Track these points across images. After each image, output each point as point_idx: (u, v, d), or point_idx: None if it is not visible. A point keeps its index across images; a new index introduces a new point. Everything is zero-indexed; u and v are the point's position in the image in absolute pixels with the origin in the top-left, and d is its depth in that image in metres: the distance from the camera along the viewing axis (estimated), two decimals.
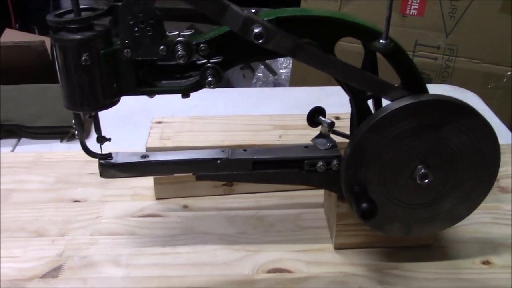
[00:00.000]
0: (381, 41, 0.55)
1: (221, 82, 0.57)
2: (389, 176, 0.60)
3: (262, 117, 0.85)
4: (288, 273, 0.65)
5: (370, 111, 0.61)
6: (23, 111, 0.95)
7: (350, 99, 0.61)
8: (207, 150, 0.65)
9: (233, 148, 0.66)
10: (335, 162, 0.63)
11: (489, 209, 0.74)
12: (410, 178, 0.60)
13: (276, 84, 1.76)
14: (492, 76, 1.55)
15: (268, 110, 1.06)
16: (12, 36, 1.37)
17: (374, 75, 0.59)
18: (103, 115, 0.60)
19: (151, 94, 0.58)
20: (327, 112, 0.68)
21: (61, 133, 0.94)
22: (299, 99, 1.13)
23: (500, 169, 0.62)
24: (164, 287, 0.63)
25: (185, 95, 0.59)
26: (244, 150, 0.64)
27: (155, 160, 0.63)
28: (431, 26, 1.55)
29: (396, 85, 0.59)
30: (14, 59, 1.13)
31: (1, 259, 0.66)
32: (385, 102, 0.60)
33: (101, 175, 0.63)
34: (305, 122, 0.68)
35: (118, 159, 0.63)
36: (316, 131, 0.68)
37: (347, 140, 0.64)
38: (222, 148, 0.66)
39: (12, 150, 0.91)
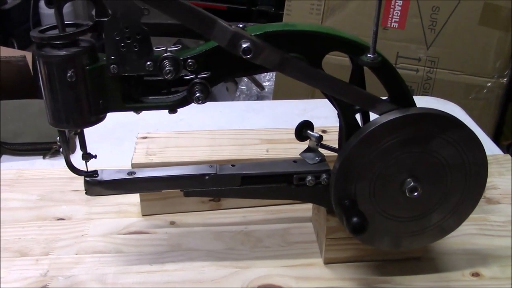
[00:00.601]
0: (368, 55, 0.56)
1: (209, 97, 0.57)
2: (379, 190, 0.60)
3: (249, 131, 0.85)
4: None
5: (358, 125, 0.61)
6: (4, 128, 0.93)
7: (338, 113, 0.61)
8: (195, 166, 0.64)
9: (221, 163, 0.65)
10: (324, 176, 0.63)
11: (476, 221, 0.74)
12: (400, 192, 0.60)
13: (260, 97, 1.76)
14: (473, 87, 1.58)
15: (254, 124, 1.06)
16: None
17: (362, 89, 0.59)
18: (85, 130, 0.59)
19: (138, 110, 0.57)
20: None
21: (43, 150, 0.92)
22: (284, 113, 1.12)
23: None
24: None
25: (172, 110, 0.58)
26: (233, 165, 0.64)
27: (142, 177, 0.62)
28: (412, 38, 1.57)
29: (383, 98, 0.59)
30: None
31: None
32: (372, 116, 0.60)
33: (86, 193, 0.62)
34: (292, 136, 0.68)
35: (104, 176, 0.62)
36: (303, 144, 0.68)
37: (335, 154, 0.64)
38: (210, 163, 0.65)
39: None
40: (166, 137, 0.81)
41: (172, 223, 0.75)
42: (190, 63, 0.55)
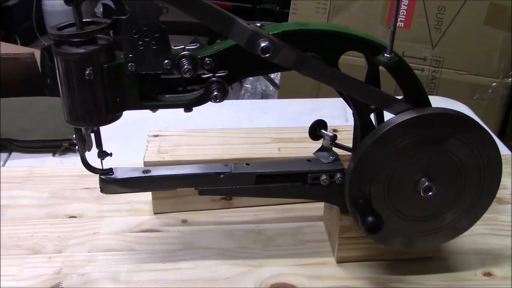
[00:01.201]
0: (385, 55, 0.56)
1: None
2: (393, 189, 0.60)
3: (259, 130, 0.85)
4: None
5: (373, 125, 0.61)
6: (13, 125, 0.93)
7: (353, 113, 0.61)
8: (209, 165, 0.64)
9: (233, 161, 0.65)
10: (338, 175, 0.63)
11: (487, 221, 0.74)
12: (414, 191, 0.60)
13: (264, 95, 1.76)
14: (478, 87, 1.58)
15: (261, 122, 1.06)
16: None
17: (378, 89, 0.59)
18: None
19: (154, 108, 0.57)
20: None
21: (53, 147, 0.92)
22: (291, 111, 1.12)
23: None
24: None
25: (188, 109, 0.58)
26: (247, 164, 0.64)
27: (157, 175, 0.62)
28: (417, 38, 1.58)
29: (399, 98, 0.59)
30: (2, 71, 1.11)
31: None
32: (387, 115, 0.61)
33: (101, 191, 0.62)
34: (303, 135, 0.68)
35: (119, 175, 0.62)
36: (313, 143, 0.68)
37: (348, 153, 0.64)
38: (222, 162, 0.65)
39: (3, 165, 0.89)
40: (178, 135, 0.81)
41: (184, 222, 0.75)
42: (208, 62, 0.55)
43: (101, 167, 0.62)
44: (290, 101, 1.22)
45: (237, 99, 1.78)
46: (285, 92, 1.67)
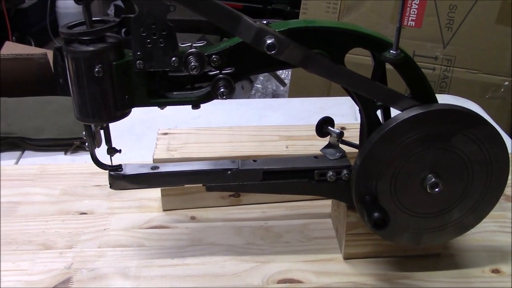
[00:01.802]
0: (391, 51, 0.56)
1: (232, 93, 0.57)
2: (400, 186, 0.60)
3: (267, 128, 0.85)
4: (298, 284, 0.65)
5: (380, 121, 0.61)
6: (26, 124, 0.95)
7: (359, 109, 0.61)
8: (216, 161, 0.65)
9: (241, 159, 0.66)
10: (345, 172, 0.63)
11: (495, 218, 0.74)
12: (421, 188, 0.60)
13: (275, 95, 1.77)
14: (490, 86, 1.57)
15: (271, 121, 1.07)
16: (13, 48, 1.37)
17: (384, 85, 0.59)
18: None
19: (162, 105, 0.58)
20: None
21: (65, 145, 0.94)
22: (301, 110, 1.13)
23: None
24: None
25: (196, 106, 0.59)
26: (254, 160, 0.65)
27: (165, 172, 0.63)
28: (428, 37, 1.57)
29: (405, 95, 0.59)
30: (16, 71, 1.13)
31: (9, 272, 0.65)
32: (393, 112, 0.61)
33: (111, 187, 0.63)
34: (311, 133, 0.68)
35: (128, 171, 0.63)
36: (322, 141, 0.69)
37: (355, 150, 0.64)
38: (231, 159, 0.66)
39: (16, 163, 0.91)
40: (187, 133, 0.81)
41: (193, 218, 0.76)
42: (215, 59, 0.55)
43: (110, 164, 0.63)
44: (300, 100, 1.22)
45: (248, 98, 1.79)
46: (295, 91, 1.68)
